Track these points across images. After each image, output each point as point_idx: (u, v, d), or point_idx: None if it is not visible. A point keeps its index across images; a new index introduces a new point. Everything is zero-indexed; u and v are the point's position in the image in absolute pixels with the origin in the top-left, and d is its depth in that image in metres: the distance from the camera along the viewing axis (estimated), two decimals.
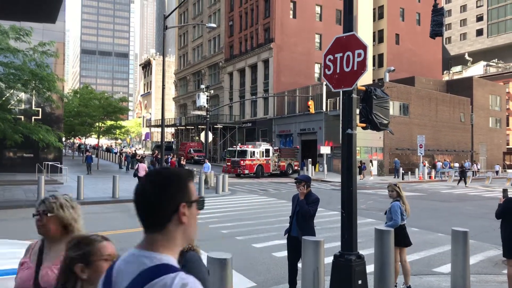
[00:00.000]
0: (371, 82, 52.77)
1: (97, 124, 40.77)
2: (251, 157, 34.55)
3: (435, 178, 39.67)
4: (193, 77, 71.67)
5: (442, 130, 48.21)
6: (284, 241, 6.82)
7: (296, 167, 38.68)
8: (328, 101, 40.94)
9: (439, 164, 43.35)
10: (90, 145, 67.55)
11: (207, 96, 30.68)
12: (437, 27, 6.18)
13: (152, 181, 1.41)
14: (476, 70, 79.58)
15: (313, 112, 35.35)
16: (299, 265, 5.78)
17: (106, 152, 55.78)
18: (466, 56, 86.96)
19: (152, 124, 79.24)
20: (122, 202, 17.89)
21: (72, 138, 55.97)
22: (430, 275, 7.94)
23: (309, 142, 44.54)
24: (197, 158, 49.25)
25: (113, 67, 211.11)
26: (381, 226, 6.51)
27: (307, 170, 36.53)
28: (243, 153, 34.57)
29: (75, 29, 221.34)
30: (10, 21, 20.91)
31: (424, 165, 39.58)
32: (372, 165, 39.75)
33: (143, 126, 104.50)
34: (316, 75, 52.43)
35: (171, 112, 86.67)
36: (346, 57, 5.18)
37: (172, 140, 75.95)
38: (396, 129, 39.71)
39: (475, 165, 47.72)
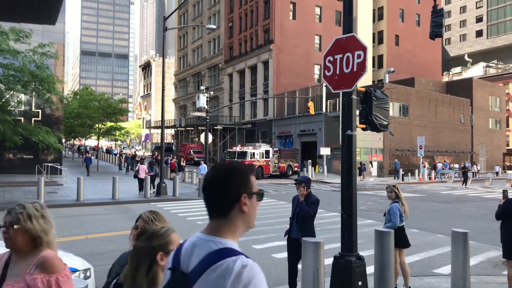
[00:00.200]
0: (370, 83, 52.82)
1: (97, 125, 40.76)
2: (251, 158, 34.55)
3: (435, 179, 39.67)
4: (193, 79, 71.69)
5: (442, 131, 48.21)
6: (284, 243, 6.82)
7: (296, 168, 38.67)
8: (328, 102, 40.95)
9: (439, 165, 43.35)
10: (90, 146, 67.55)
11: (207, 97, 30.67)
12: (437, 28, 6.18)
13: (218, 173, 1.61)
14: (476, 71, 79.62)
15: (313, 113, 35.35)
16: (299, 266, 5.77)
17: (106, 154, 55.78)
18: (466, 57, 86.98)
19: (152, 126, 79.24)
20: (122, 203, 17.91)
21: (72, 139, 55.97)
22: (430, 276, 7.93)
23: (309, 143, 44.54)
24: (197, 159, 49.15)
25: (113, 69, 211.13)
26: (381, 227, 6.51)
27: (307, 171, 36.52)
28: (243, 155, 34.57)
29: (75, 31, 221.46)
30: (10, 22, 20.94)
31: (424, 166, 39.59)
32: (372, 166, 39.74)
33: (143, 128, 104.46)
34: (316, 76, 52.45)
35: (171, 114, 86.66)
36: (345, 58, 5.18)
37: (172, 141, 75.92)
38: (396, 130, 39.72)
39: (475, 166, 47.70)
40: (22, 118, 25.49)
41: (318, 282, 5.05)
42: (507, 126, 65.03)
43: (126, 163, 38.41)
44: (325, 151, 36.28)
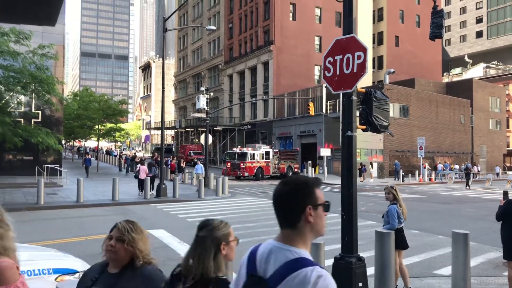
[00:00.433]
0: (371, 84, 52.81)
1: (96, 126, 40.76)
2: (251, 159, 34.53)
3: (435, 180, 39.65)
4: (193, 80, 71.71)
5: (442, 132, 48.21)
6: None
7: (296, 170, 38.65)
8: (328, 103, 40.95)
9: (440, 166, 43.33)
10: (90, 147, 67.53)
11: (207, 98, 30.60)
12: (437, 29, 6.17)
13: (285, 187, 1.78)
14: (476, 72, 79.64)
15: (313, 114, 35.34)
16: None
17: (106, 155, 55.78)
18: (466, 58, 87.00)
19: (151, 127, 79.23)
20: (121, 204, 17.89)
21: (72, 140, 55.96)
22: (431, 277, 7.92)
23: (309, 144, 44.53)
24: (198, 160, 49.20)
25: (112, 70, 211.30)
26: (381, 229, 6.50)
27: (307, 172, 36.53)
28: (243, 156, 34.54)
29: (74, 32, 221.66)
30: (10, 23, 20.94)
31: (425, 167, 39.57)
32: (372, 167, 39.72)
33: (142, 129, 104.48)
34: (316, 77, 52.45)
35: (170, 115, 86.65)
36: (346, 59, 5.17)
37: (172, 142, 75.93)
38: (396, 131, 39.72)
39: (475, 167, 47.68)
40: (22, 119, 25.47)
41: None
42: (507, 127, 65.02)
43: (126, 165, 38.40)
44: (325, 152, 36.26)
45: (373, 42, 61.95)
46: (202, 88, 34.27)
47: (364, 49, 5.03)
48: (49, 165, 26.98)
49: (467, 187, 32.70)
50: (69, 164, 41.93)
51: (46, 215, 14.64)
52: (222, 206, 18.00)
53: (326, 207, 1.79)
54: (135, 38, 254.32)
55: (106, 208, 16.83)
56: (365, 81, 49.94)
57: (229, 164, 35.27)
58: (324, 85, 38.47)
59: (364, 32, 55.49)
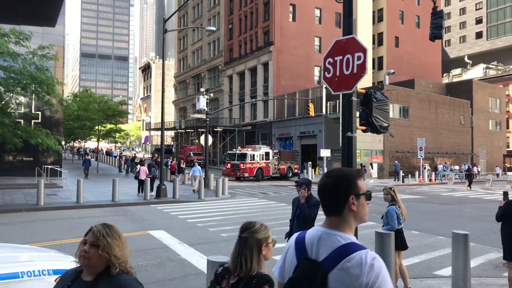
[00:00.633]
0: (371, 85, 52.86)
1: (96, 127, 40.76)
2: (251, 160, 34.52)
3: (435, 181, 39.64)
4: (193, 80, 71.72)
5: (442, 132, 48.22)
6: (285, 245, 6.79)
7: (296, 170, 38.64)
8: (328, 104, 40.95)
9: (440, 167, 43.33)
10: (90, 148, 67.52)
11: (206, 99, 30.60)
12: (437, 30, 6.17)
13: (329, 179, 1.95)
14: (476, 72, 79.67)
15: (313, 115, 35.36)
16: None
17: (106, 156, 55.77)
18: (466, 59, 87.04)
19: (151, 128, 79.26)
20: (121, 205, 17.88)
21: (72, 141, 55.94)
22: (431, 278, 7.91)
23: (309, 145, 44.53)
24: (197, 161, 49.19)
25: (112, 71, 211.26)
26: (381, 229, 6.50)
27: (307, 173, 36.50)
28: (243, 156, 34.53)
29: (74, 33, 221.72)
30: (10, 24, 20.94)
31: (425, 168, 39.56)
32: (372, 168, 39.71)
33: (142, 130, 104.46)
34: (316, 78, 52.46)
35: (170, 116, 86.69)
36: (346, 60, 5.18)
37: (172, 143, 75.91)
38: (396, 132, 39.73)
39: (475, 167, 47.68)
40: (22, 120, 25.45)
41: None
42: (507, 127, 65.02)
43: (126, 165, 38.39)
44: (325, 152, 36.26)
45: (373, 43, 61.97)
46: (202, 89, 34.28)
47: (364, 50, 5.04)
48: (49, 166, 27.00)
49: (469, 188, 32.71)
50: (69, 165, 41.93)
51: (46, 216, 14.63)
52: (222, 207, 17.99)
53: (368, 196, 1.97)
54: (135, 39, 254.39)
55: (106, 209, 16.83)
56: (365, 82, 50.02)
57: (229, 165, 35.25)
58: (324, 86, 38.51)
59: (364, 33, 55.54)
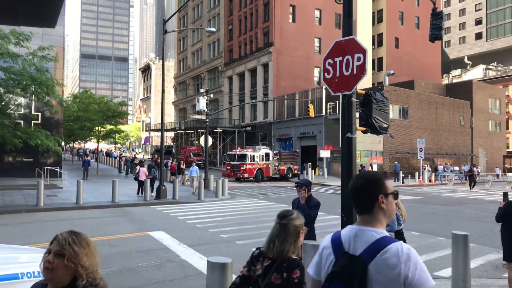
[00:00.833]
0: (370, 85, 52.83)
1: (96, 128, 40.76)
2: (251, 161, 34.52)
3: (435, 181, 39.62)
4: (193, 81, 71.74)
5: (442, 133, 48.22)
6: None
7: (296, 171, 38.63)
8: (328, 104, 40.96)
9: (440, 168, 43.31)
10: (89, 149, 67.49)
11: (206, 100, 30.61)
12: (436, 31, 6.17)
13: (359, 180, 2.15)
14: (476, 73, 79.69)
15: (313, 116, 35.37)
16: None
17: (105, 157, 55.75)
18: (466, 60, 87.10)
19: (151, 128, 79.26)
20: (121, 206, 17.87)
21: (72, 142, 55.92)
22: None
23: (309, 145, 44.53)
24: (196, 162, 49.19)
25: (112, 72, 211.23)
26: None
27: (307, 174, 36.49)
28: (242, 157, 34.52)
29: (74, 34, 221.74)
30: (10, 25, 20.95)
31: (424, 169, 39.55)
32: (372, 168, 39.66)
33: (142, 130, 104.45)
34: (316, 79, 52.48)
35: (170, 116, 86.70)
36: (345, 61, 5.18)
37: (172, 144, 75.88)
38: (396, 133, 39.72)
39: (475, 168, 47.63)
40: (22, 121, 25.42)
41: None
42: (507, 128, 65.00)
43: (125, 166, 38.37)
44: (325, 153, 36.25)
45: (373, 44, 61.99)
46: (202, 90, 34.30)
47: (363, 51, 5.04)
48: (49, 167, 27.00)
49: (475, 187, 32.72)
50: (69, 166, 41.91)
51: (46, 217, 14.63)
52: (222, 208, 17.98)
53: (395, 195, 2.16)
54: (135, 40, 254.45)
55: (105, 210, 16.82)
56: (365, 83, 49.99)
57: (229, 165, 35.25)
58: (324, 86, 38.51)
59: (363, 34, 55.55)
